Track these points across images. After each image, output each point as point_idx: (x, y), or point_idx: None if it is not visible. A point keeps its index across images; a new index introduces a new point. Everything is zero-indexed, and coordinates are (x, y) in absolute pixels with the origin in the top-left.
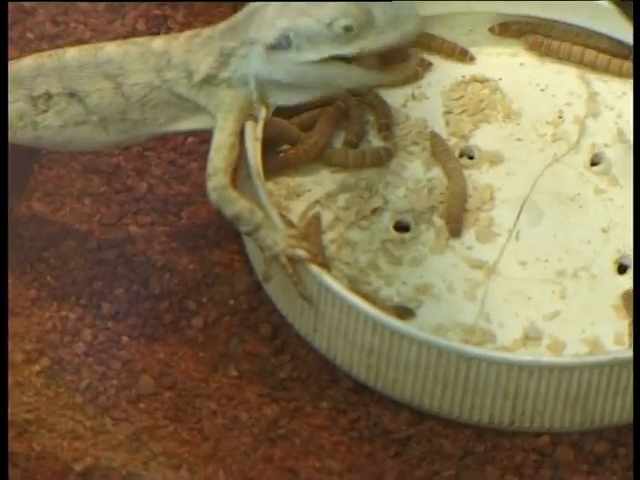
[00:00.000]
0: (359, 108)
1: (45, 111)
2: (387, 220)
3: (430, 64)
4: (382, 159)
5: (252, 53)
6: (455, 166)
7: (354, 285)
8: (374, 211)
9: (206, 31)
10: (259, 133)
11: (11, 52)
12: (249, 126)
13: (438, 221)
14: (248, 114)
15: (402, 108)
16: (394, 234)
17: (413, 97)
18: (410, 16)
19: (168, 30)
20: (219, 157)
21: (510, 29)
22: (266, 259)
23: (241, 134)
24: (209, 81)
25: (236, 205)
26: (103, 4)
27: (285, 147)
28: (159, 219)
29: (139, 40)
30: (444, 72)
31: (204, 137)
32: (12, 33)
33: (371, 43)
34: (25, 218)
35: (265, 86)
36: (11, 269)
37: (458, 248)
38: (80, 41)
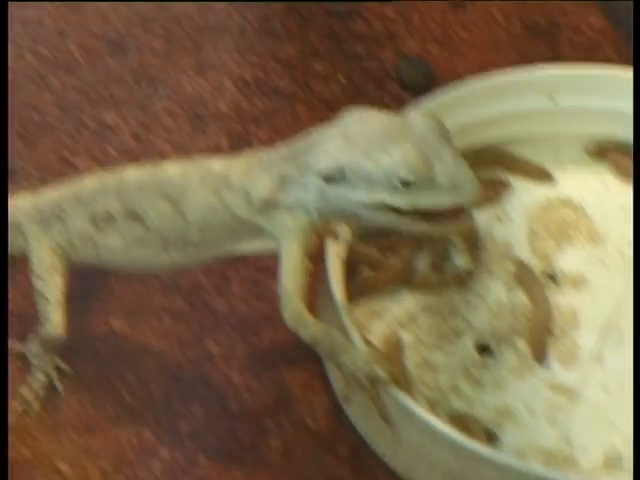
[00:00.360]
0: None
1: (106, 231)
2: (469, 342)
3: (508, 185)
4: (463, 281)
5: (310, 181)
6: (539, 291)
7: (435, 407)
8: (456, 333)
9: (266, 154)
10: (342, 252)
11: (92, 167)
12: (331, 245)
13: (520, 344)
14: (313, 236)
15: (486, 229)
16: (476, 356)
17: (497, 218)
18: (470, 186)
19: (250, 147)
20: (290, 283)
21: (599, 151)
22: (346, 380)
23: (322, 251)
24: (269, 205)
25: (313, 329)
26: (186, 120)
27: (366, 270)
28: (238, 338)
29: (199, 160)
30: (528, 194)
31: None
32: (94, 148)
33: (425, 201)
34: (103, 335)
35: (323, 214)
36: (88, 386)
37: (540, 371)
38: (161, 157)
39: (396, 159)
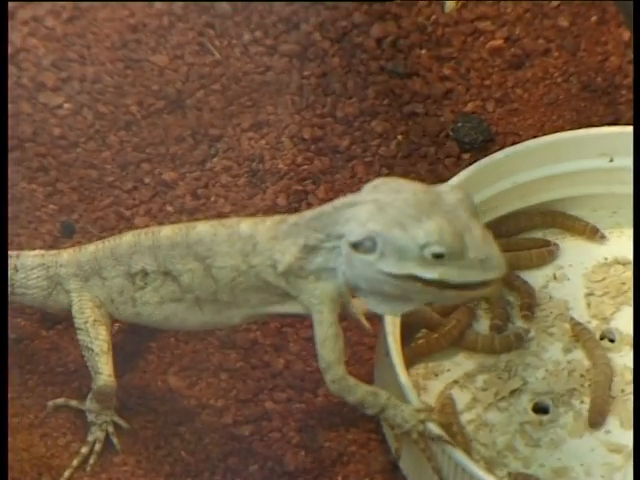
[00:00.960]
0: (501, 293)
1: (143, 288)
2: (526, 402)
3: (556, 245)
4: (511, 345)
5: (337, 248)
6: (600, 353)
7: (491, 467)
8: (513, 392)
9: (292, 218)
10: None
11: (150, 226)
12: None
13: (577, 404)
14: (341, 300)
15: (543, 289)
16: (532, 416)
17: (554, 278)
18: (497, 262)
19: (309, 206)
20: (327, 350)
21: None
22: (397, 436)
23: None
24: (295, 273)
25: (357, 392)
26: (244, 178)
27: (423, 332)
28: (295, 396)
29: (229, 221)
30: (585, 253)
31: (342, 315)
32: (152, 206)
33: (454, 275)
34: (160, 392)
35: (348, 281)
36: (145, 443)
37: (597, 432)
38: (220, 215)
39: (430, 232)
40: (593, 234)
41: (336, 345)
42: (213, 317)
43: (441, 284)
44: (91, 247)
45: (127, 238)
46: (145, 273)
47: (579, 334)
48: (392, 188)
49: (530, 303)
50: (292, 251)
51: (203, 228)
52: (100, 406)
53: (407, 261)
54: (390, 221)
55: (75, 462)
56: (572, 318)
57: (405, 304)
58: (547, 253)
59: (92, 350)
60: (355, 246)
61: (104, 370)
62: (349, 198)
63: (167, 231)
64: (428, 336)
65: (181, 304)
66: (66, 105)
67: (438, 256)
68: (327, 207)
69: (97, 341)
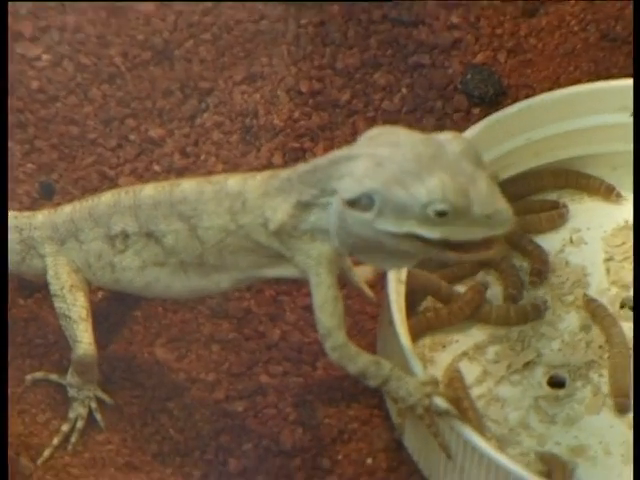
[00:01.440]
0: (508, 258)
1: (123, 251)
2: (540, 375)
3: (566, 207)
4: (528, 316)
5: (332, 206)
6: (618, 332)
7: (503, 445)
8: (526, 365)
9: (284, 173)
10: (403, 276)
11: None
12: (391, 274)
13: (596, 377)
14: (339, 261)
15: (559, 254)
16: (548, 390)
17: (571, 242)
18: (504, 217)
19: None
20: (326, 315)
21: None
22: (400, 411)
23: (382, 277)
24: (289, 232)
25: (359, 361)
26: (237, 134)
27: (431, 303)
28: (292, 369)
29: (216, 178)
30: (605, 216)
31: (342, 282)
32: (137, 165)
33: (458, 233)
34: (147, 365)
35: (343, 241)
36: (130, 420)
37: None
38: (210, 174)
39: (432, 190)
40: (608, 193)
41: (336, 309)
42: (199, 282)
43: (444, 243)
44: (67, 208)
45: (106, 198)
46: (125, 235)
47: (594, 311)
48: (390, 140)
49: (541, 269)
50: (284, 208)
51: (188, 185)
52: (82, 380)
53: (407, 219)
54: (389, 178)
55: (55, 440)
56: (585, 294)
57: (403, 261)
58: (557, 216)
59: (70, 317)
60: (350, 203)
61: (83, 338)
62: (345, 151)
63: (149, 189)
64: (438, 310)
65: (164, 268)
66: (45, 56)
67: (441, 214)
68: (321, 160)
69: (75, 307)
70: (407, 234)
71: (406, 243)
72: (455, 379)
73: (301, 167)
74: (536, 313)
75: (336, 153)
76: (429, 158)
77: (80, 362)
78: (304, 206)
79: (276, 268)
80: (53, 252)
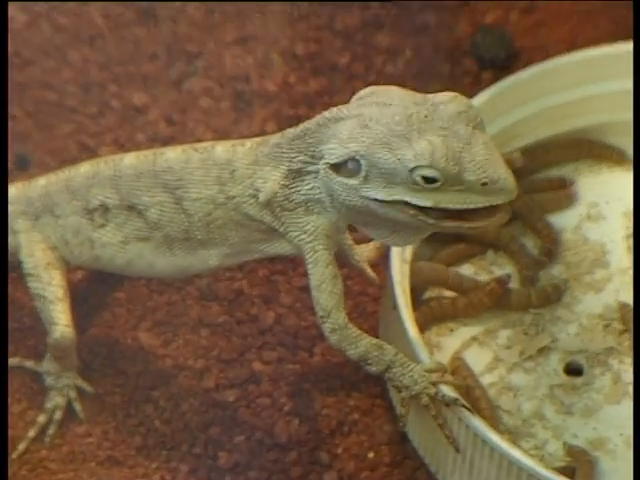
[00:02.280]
0: (516, 237)
1: (103, 225)
2: (556, 362)
3: (574, 187)
4: (550, 298)
5: (321, 173)
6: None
7: (516, 438)
8: (541, 351)
9: (274, 138)
10: (408, 255)
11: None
12: (395, 253)
13: (615, 364)
14: (336, 236)
15: (576, 230)
16: (564, 378)
17: (588, 217)
18: (504, 184)
19: None
20: (325, 295)
21: None
22: (404, 400)
23: (386, 257)
24: (281, 204)
25: (360, 344)
26: (227, 101)
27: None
28: (288, 355)
29: (202, 145)
30: (625, 188)
31: (341, 261)
32: (120, 133)
33: (451, 201)
34: (130, 351)
35: (341, 213)
36: (112, 411)
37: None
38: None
39: (420, 154)
40: (619, 158)
41: (335, 288)
42: (185, 259)
43: (437, 212)
44: (42, 181)
45: (84, 169)
46: (105, 208)
47: (625, 317)
48: (380, 100)
49: (551, 249)
50: (275, 177)
51: (173, 154)
52: (60, 366)
53: (396, 186)
54: (375, 141)
55: (32, 433)
56: (619, 301)
57: (406, 234)
58: (563, 197)
59: (45, 298)
60: (335, 168)
61: (60, 320)
62: (333, 112)
63: (131, 159)
64: (455, 300)
65: (148, 244)
66: (20, 16)
67: (431, 180)
68: (310, 123)
69: (50, 287)
70: (397, 202)
71: (397, 212)
72: (459, 367)
73: (290, 132)
74: (557, 294)
75: (325, 114)
76: (421, 120)
77: (57, 346)
78: (296, 174)
79: (269, 244)
80: (27, 228)
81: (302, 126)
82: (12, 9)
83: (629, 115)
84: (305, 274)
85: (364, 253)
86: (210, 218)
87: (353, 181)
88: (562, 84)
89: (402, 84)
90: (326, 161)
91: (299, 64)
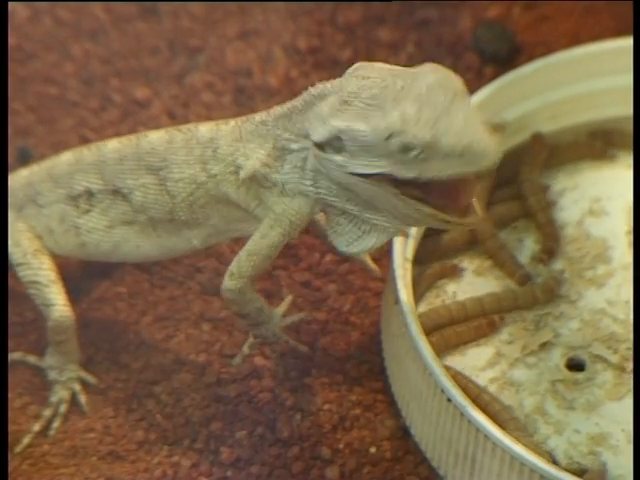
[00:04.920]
0: (496, 237)
1: (88, 211)
2: (558, 357)
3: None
4: (554, 290)
5: (307, 150)
6: None
7: (518, 433)
8: (543, 346)
9: (259, 116)
10: (409, 253)
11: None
12: (397, 244)
13: (618, 360)
14: (299, 228)
15: (578, 225)
16: (566, 373)
17: (591, 212)
18: (483, 151)
19: None
20: (249, 263)
21: None
22: (252, 345)
23: (388, 253)
24: (260, 182)
25: (246, 307)
26: (229, 95)
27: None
28: (289, 350)
29: (186, 126)
30: (627, 184)
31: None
32: (121, 127)
33: (432, 170)
34: (132, 346)
35: (321, 195)
36: (114, 405)
37: None
38: None
39: (392, 122)
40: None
41: (261, 265)
42: (170, 239)
43: (418, 193)
44: (24, 171)
45: (66, 157)
46: (90, 194)
47: None
48: (360, 74)
49: (552, 247)
50: (258, 155)
51: (156, 135)
52: (62, 359)
53: (377, 159)
54: (353, 114)
55: (37, 426)
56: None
57: (367, 234)
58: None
59: (39, 283)
60: (321, 146)
61: (57, 300)
62: (319, 88)
63: (114, 143)
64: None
65: (133, 227)
66: (22, 11)
67: (408, 149)
68: (297, 101)
69: (42, 271)
70: (379, 176)
71: (378, 190)
72: (456, 376)
73: (277, 109)
74: (559, 287)
75: (310, 91)
76: (396, 91)
77: (57, 327)
78: (280, 153)
79: (248, 223)
80: (11, 220)
81: (289, 103)
82: (14, 3)
83: (627, 108)
84: (306, 269)
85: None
86: (193, 198)
87: (338, 157)
88: (564, 79)
89: None
90: (312, 139)
91: (301, 59)
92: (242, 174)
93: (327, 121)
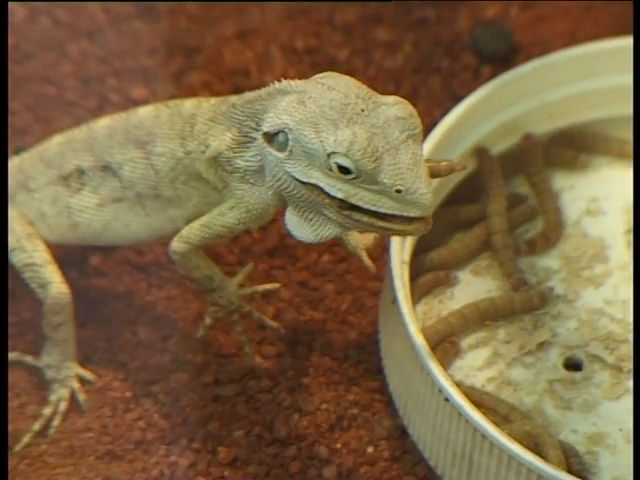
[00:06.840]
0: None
1: (79, 190)
2: (555, 357)
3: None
4: (534, 306)
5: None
6: None
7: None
8: (540, 346)
9: (233, 98)
10: (406, 256)
11: None
12: (395, 246)
13: (615, 360)
14: (258, 218)
15: (575, 225)
16: (563, 373)
17: (588, 212)
18: (421, 202)
19: None
20: (199, 233)
21: None
22: (211, 314)
23: (386, 249)
24: (223, 166)
25: (194, 272)
26: (226, 95)
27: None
28: (287, 350)
29: (174, 102)
30: (625, 183)
31: (341, 255)
32: None
33: (361, 198)
34: (130, 346)
35: (272, 186)
36: (112, 406)
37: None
38: None
39: (340, 141)
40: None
41: (211, 240)
42: (156, 218)
43: (349, 205)
44: (16, 160)
45: (56, 139)
46: (80, 171)
47: None
48: (327, 83)
49: (550, 238)
50: (225, 137)
51: (145, 110)
52: (60, 354)
53: (314, 169)
54: (306, 118)
55: (37, 425)
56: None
57: (322, 226)
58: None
59: (34, 264)
60: (269, 138)
61: (54, 278)
62: (283, 84)
63: (105, 120)
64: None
65: (123, 204)
66: (19, 10)
67: (345, 171)
68: (263, 91)
69: (37, 253)
70: (313, 185)
71: (313, 196)
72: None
73: (247, 95)
74: (525, 305)
75: (275, 85)
76: (356, 112)
77: (55, 306)
78: (244, 139)
79: None
80: None
81: (257, 92)
82: (12, 3)
83: (628, 110)
84: (304, 268)
85: (362, 240)
86: (174, 174)
87: (279, 154)
88: (562, 79)
89: (401, 79)
90: (262, 129)
91: (299, 58)
92: (207, 153)
93: (279, 115)
